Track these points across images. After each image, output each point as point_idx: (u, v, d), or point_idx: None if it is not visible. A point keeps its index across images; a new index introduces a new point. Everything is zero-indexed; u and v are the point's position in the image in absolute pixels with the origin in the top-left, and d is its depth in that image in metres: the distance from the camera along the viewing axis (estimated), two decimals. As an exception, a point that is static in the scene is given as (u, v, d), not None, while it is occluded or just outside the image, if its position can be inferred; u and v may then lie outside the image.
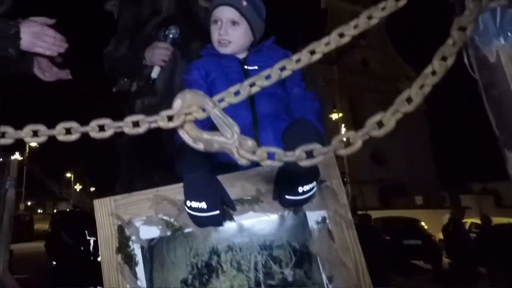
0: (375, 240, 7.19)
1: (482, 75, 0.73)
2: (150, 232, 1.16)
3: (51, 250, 5.96)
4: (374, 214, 12.92)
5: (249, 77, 1.35)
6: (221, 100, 0.68)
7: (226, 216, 1.12)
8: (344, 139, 0.62)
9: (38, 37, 1.40)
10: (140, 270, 1.15)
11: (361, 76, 30.52)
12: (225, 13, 1.41)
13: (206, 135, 0.63)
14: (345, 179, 14.88)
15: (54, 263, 5.82)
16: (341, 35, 0.67)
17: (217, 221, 1.11)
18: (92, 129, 0.67)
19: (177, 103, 0.63)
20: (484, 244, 7.58)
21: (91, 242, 6.13)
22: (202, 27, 1.90)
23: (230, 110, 1.32)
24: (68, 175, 48.42)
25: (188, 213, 1.12)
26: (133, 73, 1.87)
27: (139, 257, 1.15)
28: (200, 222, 1.11)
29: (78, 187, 49.39)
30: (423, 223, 12.26)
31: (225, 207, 1.12)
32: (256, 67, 1.39)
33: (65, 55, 1.54)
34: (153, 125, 0.66)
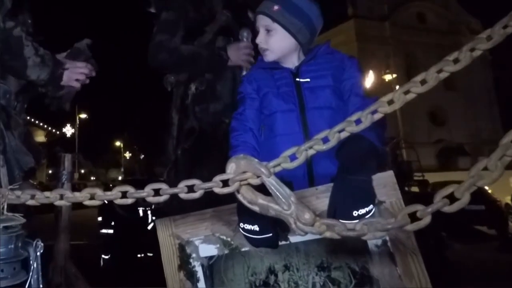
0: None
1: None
2: (208, 250, 1.19)
3: (104, 218, 6.39)
4: (433, 177, 12.45)
5: (300, 90, 1.33)
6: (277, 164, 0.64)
7: (280, 237, 1.11)
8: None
9: (72, 72, 1.59)
10: (201, 286, 1.19)
11: (417, 32, 28.52)
12: (261, 21, 1.39)
13: (261, 200, 0.61)
14: (400, 144, 14.30)
15: (109, 231, 6.25)
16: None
17: (271, 243, 1.11)
18: (148, 194, 0.68)
19: (231, 167, 0.61)
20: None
21: (140, 211, 6.48)
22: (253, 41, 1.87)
23: (281, 125, 1.29)
24: (118, 143, 50.66)
25: (243, 234, 1.13)
26: (212, 70, 1.82)
27: (200, 274, 1.19)
28: (254, 243, 1.13)
29: (128, 155, 51.73)
30: (487, 187, 11.65)
31: (278, 228, 1.10)
32: (308, 79, 1.34)
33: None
34: (208, 190, 0.64)
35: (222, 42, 1.83)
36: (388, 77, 20.29)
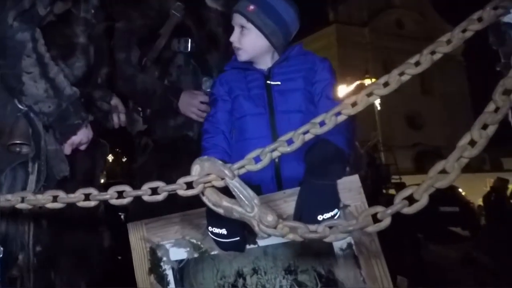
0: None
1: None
2: (179, 254, 1.20)
3: None
4: (410, 179, 12.68)
5: (271, 93, 1.33)
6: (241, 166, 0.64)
7: (248, 240, 1.13)
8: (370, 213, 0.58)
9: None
10: (171, 289, 1.19)
11: (395, 39, 29.10)
12: (236, 20, 1.38)
13: (226, 203, 0.61)
14: (378, 147, 14.54)
15: None
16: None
17: (238, 247, 1.12)
18: (111, 197, 0.67)
19: (195, 169, 0.61)
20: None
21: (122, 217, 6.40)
22: (215, 35, 1.75)
23: (251, 128, 1.29)
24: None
25: (211, 237, 1.14)
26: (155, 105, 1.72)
27: (170, 277, 1.20)
28: (223, 247, 1.13)
29: (110, 158, 50.58)
30: (460, 190, 11.94)
31: (246, 232, 1.11)
32: (278, 82, 1.34)
33: None
34: (172, 193, 0.64)
35: (177, 45, 1.69)
36: (367, 82, 20.60)
